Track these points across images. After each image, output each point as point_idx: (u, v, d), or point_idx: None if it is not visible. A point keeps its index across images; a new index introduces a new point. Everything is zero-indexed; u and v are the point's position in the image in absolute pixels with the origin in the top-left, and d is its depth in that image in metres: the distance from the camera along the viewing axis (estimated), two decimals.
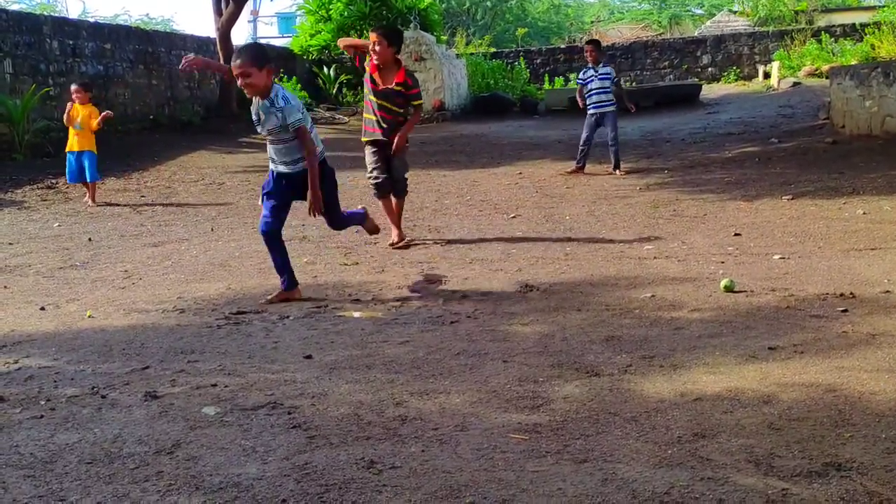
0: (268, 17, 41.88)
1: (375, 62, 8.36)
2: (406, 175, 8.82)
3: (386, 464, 3.48)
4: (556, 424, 3.85)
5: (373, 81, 8.42)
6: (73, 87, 12.86)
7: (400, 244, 8.51)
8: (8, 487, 3.41)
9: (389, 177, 8.56)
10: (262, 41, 31.03)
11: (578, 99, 13.73)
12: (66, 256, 8.72)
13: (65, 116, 12.48)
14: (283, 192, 6.45)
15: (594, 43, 14.23)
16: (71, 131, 12.37)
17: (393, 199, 8.68)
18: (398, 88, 8.36)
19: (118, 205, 12.12)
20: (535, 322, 5.60)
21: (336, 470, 3.44)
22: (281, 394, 4.39)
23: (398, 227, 8.70)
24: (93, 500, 3.27)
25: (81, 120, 12.25)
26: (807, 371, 4.39)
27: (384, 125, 8.47)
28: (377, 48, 8.28)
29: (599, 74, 13.23)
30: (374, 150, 8.59)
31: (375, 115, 8.50)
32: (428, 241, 8.73)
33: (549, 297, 6.26)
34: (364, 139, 8.77)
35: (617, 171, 13.10)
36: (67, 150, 12.36)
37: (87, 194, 12.36)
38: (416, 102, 8.68)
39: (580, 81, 13.79)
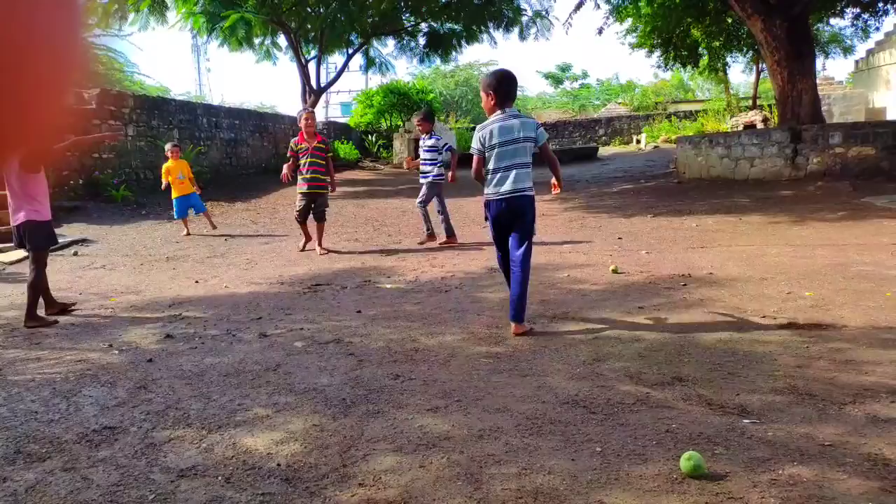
0: (334, 104, 41.80)
1: (304, 132, 7.89)
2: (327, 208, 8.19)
3: (406, 376, 3.49)
4: (510, 353, 3.87)
5: (303, 149, 7.87)
6: (169, 146, 10.26)
7: (325, 253, 7.95)
8: (175, 390, 3.42)
9: (312, 211, 8.01)
10: (332, 120, 30.88)
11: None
12: (211, 250, 8.70)
13: (164, 175, 10.13)
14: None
15: (423, 114, 8.38)
16: (175, 182, 9.99)
17: (315, 224, 8.08)
18: (321, 146, 7.95)
19: (229, 236, 11.98)
20: (498, 291, 5.61)
21: (375, 380, 3.45)
22: (342, 334, 4.39)
23: (320, 242, 8.12)
24: (227, 398, 3.27)
25: (183, 172, 10.10)
26: (661, 321, 4.41)
27: (312, 174, 7.92)
28: (311, 121, 7.95)
29: (426, 146, 8.37)
30: (307, 195, 8.01)
31: (308, 171, 7.90)
32: (432, 243, 8.73)
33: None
34: (302, 190, 8.01)
35: (444, 241, 8.29)
36: (176, 196, 10.01)
37: (209, 222, 10.40)
38: (330, 154, 8.11)
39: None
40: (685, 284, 5.48)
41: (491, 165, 4.23)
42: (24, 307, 5.06)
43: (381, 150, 24.46)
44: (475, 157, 4.29)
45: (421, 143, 8.43)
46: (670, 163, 16.68)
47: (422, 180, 8.48)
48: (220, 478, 2.45)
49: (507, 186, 4.18)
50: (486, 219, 4.44)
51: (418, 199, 8.46)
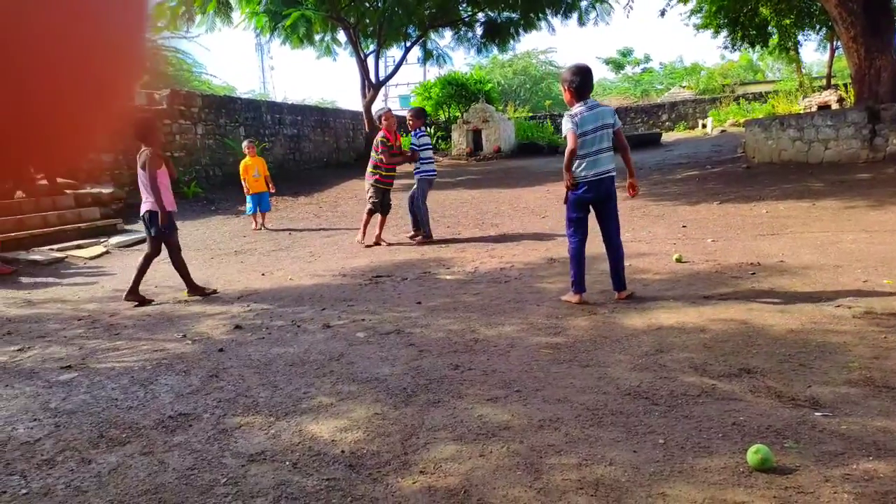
0: (393, 97, 42.12)
1: (390, 131, 8.11)
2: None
3: (466, 367, 3.52)
4: (570, 343, 3.84)
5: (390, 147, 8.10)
6: (246, 143, 10.61)
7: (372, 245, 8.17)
8: (244, 379, 3.54)
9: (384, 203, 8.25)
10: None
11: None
12: (276, 244, 8.95)
13: (242, 173, 10.27)
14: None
15: (413, 111, 8.56)
16: (251, 179, 10.13)
17: (379, 217, 8.29)
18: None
19: (293, 230, 12.16)
20: (557, 281, 5.57)
21: (435, 370, 3.49)
22: (402, 325, 4.45)
23: (380, 233, 8.33)
24: (293, 386, 3.37)
25: (258, 169, 10.17)
26: (728, 311, 4.29)
27: (391, 173, 8.21)
28: (391, 119, 8.17)
29: (418, 144, 8.18)
30: (382, 189, 8.22)
31: (387, 168, 8.16)
32: (490, 234, 8.71)
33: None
34: (380, 186, 8.18)
35: (414, 236, 8.43)
36: (251, 192, 10.19)
37: (262, 221, 10.38)
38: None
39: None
40: (754, 273, 5.30)
41: (579, 151, 4.60)
42: (179, 285, 5.84)
43: (440, 141, 24.53)
44: (572, 134, 4.56)
45: (413, 139, 8.27)
46: (738, 147, 16.08)
47: (418, 176, 8.29)
48: (287, 463, 2.54)
49: (596, 169, 4.61)
50: (566, 201, 4.76)
51: (420, 198, 8.25)
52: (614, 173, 4.69)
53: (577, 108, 4.60)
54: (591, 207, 4.75)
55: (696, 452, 2.42)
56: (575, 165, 4.64)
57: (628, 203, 10.51)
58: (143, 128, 5.81)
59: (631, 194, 4.92)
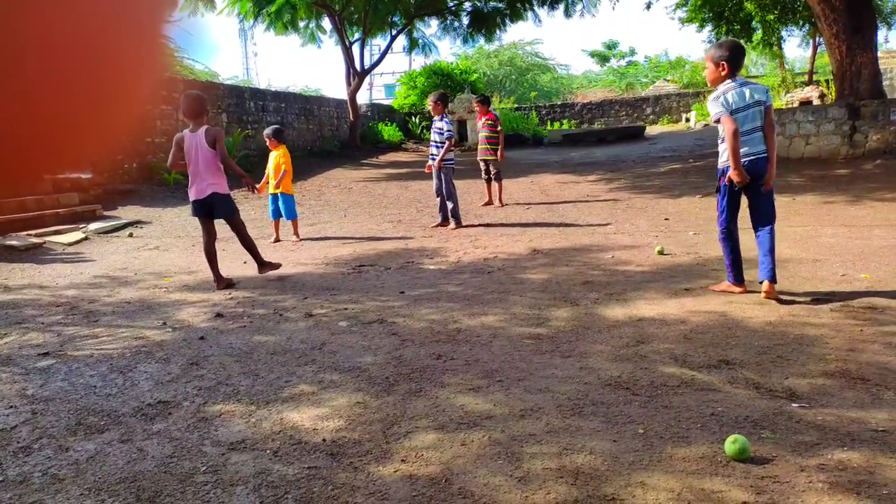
0: (378, 86, 41.82)
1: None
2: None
3: (448, 356, 3.52)
4: (552, 334, 3.86)
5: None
6: (270, 130, 8.16)
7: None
8: (225, 367, 3.52)
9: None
10: (376, 102, 30.90)
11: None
12: (260, 231, 8.86)
13: (280, 168, 7.93)
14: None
15: (436, 95, 8.17)
16: (270, 176, 8.01)
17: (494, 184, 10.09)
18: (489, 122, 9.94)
19: (318, 238, 12.10)
20: (540, 272, 5.59)
21: (418, 360, 3.49)
22: (385, 314, 4.44)
23: (500, 198, 10.20)
24: (274, 375, 3.36)
25: (273, 165, 7.97)
26: (708, 303, 4.33)
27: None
28: (477, 107, 10.23)
29: (435, 127, 8.15)
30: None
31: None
32: (474, 224, 8.72)
33: (548, 257, 6.23)
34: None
35: (451, 225, 8.24)
36: (270, 192, 8.04)
37: (294, 230, 8.16)
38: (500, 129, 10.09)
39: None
40: None
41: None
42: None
43: (425, 131, 24.45)
44: (726, 117, 4.23)
45: (433, 124, 8.36)
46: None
47: (432, 162, 8.35)
48: (268, 451, 2.53)
49: (753, 149, 4.28)
50: (718, 190, 4.47)
51: (447, 189, 8.32)
52: (766, 154, 4.27)
53: (723, 87, 4.28)
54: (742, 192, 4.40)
55: (675, 442, 2.44)
56: (722, 149, 4.31)
57: (612, 195, 10.56)
58: (198, 105, 5.51)
59: (766, 188, 4.34)
